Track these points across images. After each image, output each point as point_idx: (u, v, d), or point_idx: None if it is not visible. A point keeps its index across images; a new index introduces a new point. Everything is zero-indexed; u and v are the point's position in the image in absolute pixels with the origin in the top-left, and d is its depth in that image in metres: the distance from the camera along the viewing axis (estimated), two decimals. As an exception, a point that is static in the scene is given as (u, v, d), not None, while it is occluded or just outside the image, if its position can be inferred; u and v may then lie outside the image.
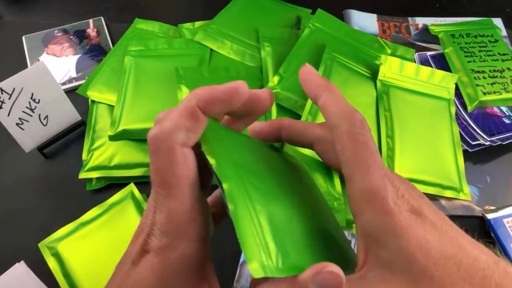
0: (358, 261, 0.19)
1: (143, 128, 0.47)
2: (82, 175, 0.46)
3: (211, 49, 0.56)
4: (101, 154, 0.47)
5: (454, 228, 0.19)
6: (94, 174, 0.46)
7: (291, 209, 0.20)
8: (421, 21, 0.64)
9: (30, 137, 0.46)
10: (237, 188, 0.17)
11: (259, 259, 0.15)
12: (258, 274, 0.15)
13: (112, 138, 0.47)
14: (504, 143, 0.50)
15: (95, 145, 0.48)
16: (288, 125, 0.25)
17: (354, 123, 0.20)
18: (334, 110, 0.21)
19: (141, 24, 0.60)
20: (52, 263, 0.40)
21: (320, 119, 0.46)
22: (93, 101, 0.51)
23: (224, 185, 0.17)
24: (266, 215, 0.18)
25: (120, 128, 0.47)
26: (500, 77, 0.55)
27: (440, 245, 0.17)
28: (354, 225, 0.35)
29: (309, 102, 0.48)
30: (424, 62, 0.58)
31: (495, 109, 0.54)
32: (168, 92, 0.49)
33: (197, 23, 0.60)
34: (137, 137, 0.47)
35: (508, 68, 0.56)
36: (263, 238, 0.16)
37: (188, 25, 0.60)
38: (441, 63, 0.57)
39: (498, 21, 0.63)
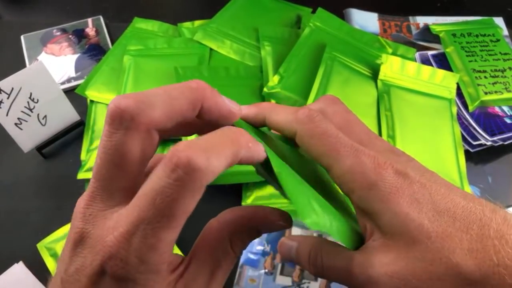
0: (364, 237, 0.20)
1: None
2: (81, 175, 0.46)
3: (211, 49, 0.55)
4: (100, 154, 0.47)
5: (445, 185, 0.19)
6: (93, 174, 0.46)
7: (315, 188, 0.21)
8: (422, 20, 0.64)
9: (28, 137, 0.45)
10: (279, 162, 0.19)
11: (311, 216, 0.17)
12: (314, 227, 0.17)
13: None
14: (505, 143, 0.49)
15: (94, 145, 0.48)
16: (269, 116, 0.22)
17: (303, 122, 0.20)
18: (280, 123, 0.21)
19: (140, 23, 0.59)
20: (51, 264, 0.40)
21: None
22: (92, 101, 0.51)
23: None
24: (309, 189, 0.20)
25: (119, 128, 0.47)
26: (502, 76, 0.55)
27: (432, 202, 0.18)
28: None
29: (309, 102, 0.47)
30: (425, 61, 0.57)
31: (497, 109, 0.53)
32: (168, 91, 0.49)
33: (197, 22, 0.60)
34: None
35: (510, 68, 0.56)
36: (310, 203, 0.18)
37: (187, 24, 0.60)
38: (442, 62, 0.57)
39: (499, 21, 0.63)
